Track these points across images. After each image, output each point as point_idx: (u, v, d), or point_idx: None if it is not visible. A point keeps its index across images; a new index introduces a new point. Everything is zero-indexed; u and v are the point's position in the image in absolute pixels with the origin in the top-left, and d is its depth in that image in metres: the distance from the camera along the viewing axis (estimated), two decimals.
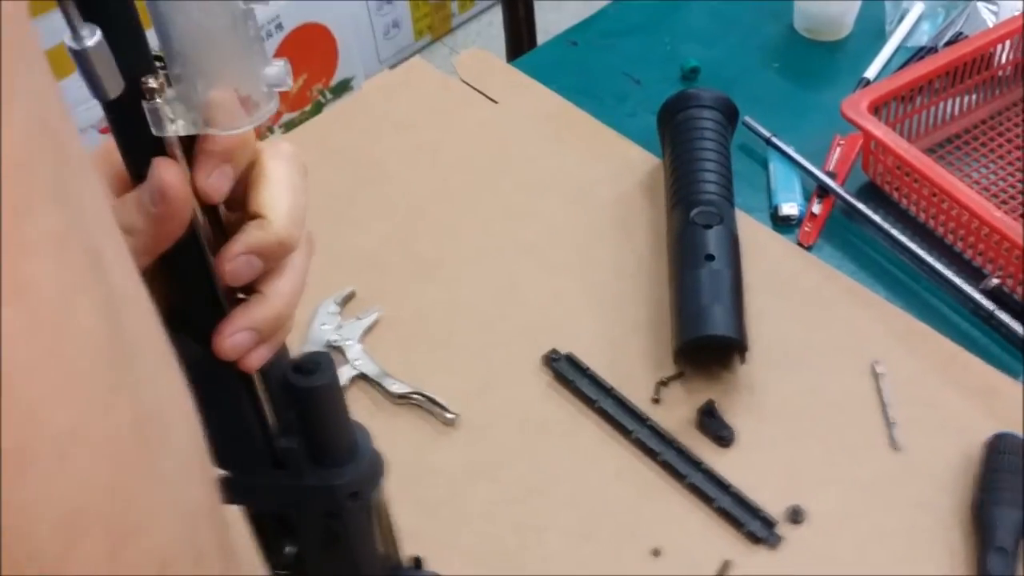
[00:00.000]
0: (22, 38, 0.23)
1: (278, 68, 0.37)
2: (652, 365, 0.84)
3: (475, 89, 1.04)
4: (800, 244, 0.92)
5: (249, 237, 0.39)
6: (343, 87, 2.16)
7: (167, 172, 0.36)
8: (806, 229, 0.93)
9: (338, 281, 0.88)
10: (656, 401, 0.82)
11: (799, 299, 0.87)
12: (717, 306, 0.80)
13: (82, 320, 0.23)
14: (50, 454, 0.22)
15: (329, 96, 2.15)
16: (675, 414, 0.81)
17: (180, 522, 0.26)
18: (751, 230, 0.91)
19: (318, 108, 2.12)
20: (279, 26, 2.00)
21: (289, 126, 2.07)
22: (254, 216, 0.40)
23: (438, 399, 0.81)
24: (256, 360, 0.41)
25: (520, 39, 1.46)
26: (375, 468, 0.50)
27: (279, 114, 2.09)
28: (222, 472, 0.48)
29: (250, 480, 0.48)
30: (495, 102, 1.03)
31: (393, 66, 1.10)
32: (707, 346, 0.81)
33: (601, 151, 0.98)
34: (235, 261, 0.39)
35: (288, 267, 0.42)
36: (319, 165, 0.98)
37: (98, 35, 0.32)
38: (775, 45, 1.11)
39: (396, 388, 0.82)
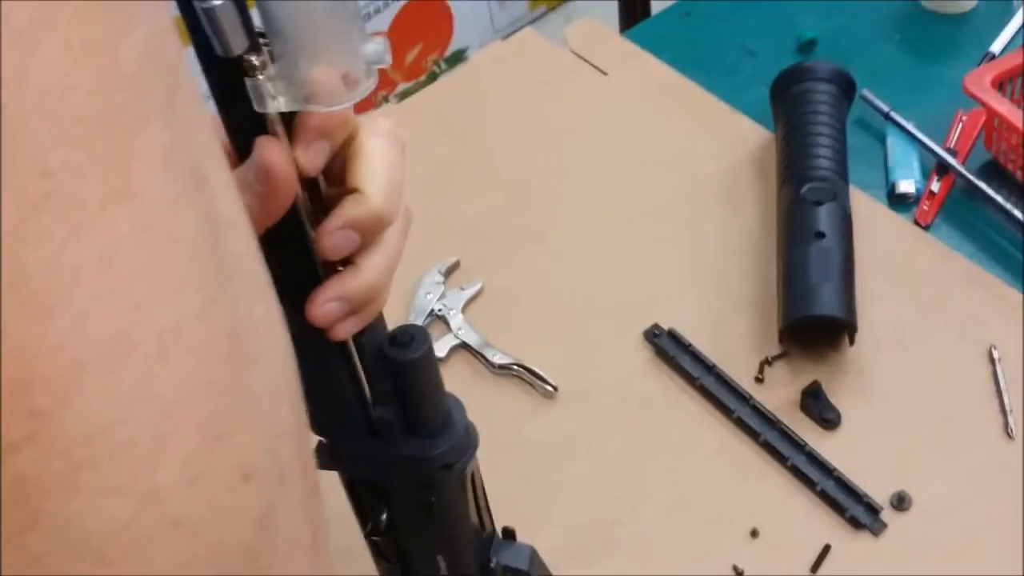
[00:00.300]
0: None
1: (377, 45, 0.37)
2: (756, 343, 0.82)
3: (585, 60, 1.03)
4: (917, 223, 0.89)
5: (346, 211, 0.40)
6: (458, 57, 2.17)
7: (272, 152, 0.37)
8: (924, 208, 0.90)
9: (443, 250, 0.89)
10: (759, 380, 0.80)
11: (913, 280, 0.84)
12: (826, 285, 0.78)
13: (185, 229, 0.24)
14: (152, 348, 0.23)
15: (444, 66, 2.16)
16: (779, 394, 0.80)
17: (265, 437, 0.27)
18: (865, 208, 0.88)
19: (432, 78, 2.14)
20: None
21: (403, 95, 2.09)
22: (352, 191, 0.41)
23: (538, 371, 0.81)
24: (345, 330, 0.42)
25: (633, 9, 1.44)
26: (468, 440, 0.51)
27: (394, 84, 2.11)
28: (318, 438, 0.49)
29: (345, 447, 0.49)
30: (605, 73, 1.02)
31: (506, 36, 1.09)
32: (814, 326, 0.79)
33: (711, 124, 0.96)
34: (333, 235, 0.40)
35: (383, 241, 0.42)
36: (429, 135, 0.99)
37: None
38: (896, 17, 1.07)
39: (497, 359, 0.82)
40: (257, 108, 0.36)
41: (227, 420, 0.25)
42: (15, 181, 0.21)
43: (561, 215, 0.92)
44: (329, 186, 0.42)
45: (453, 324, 0.84)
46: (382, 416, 0.48)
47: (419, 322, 0.85)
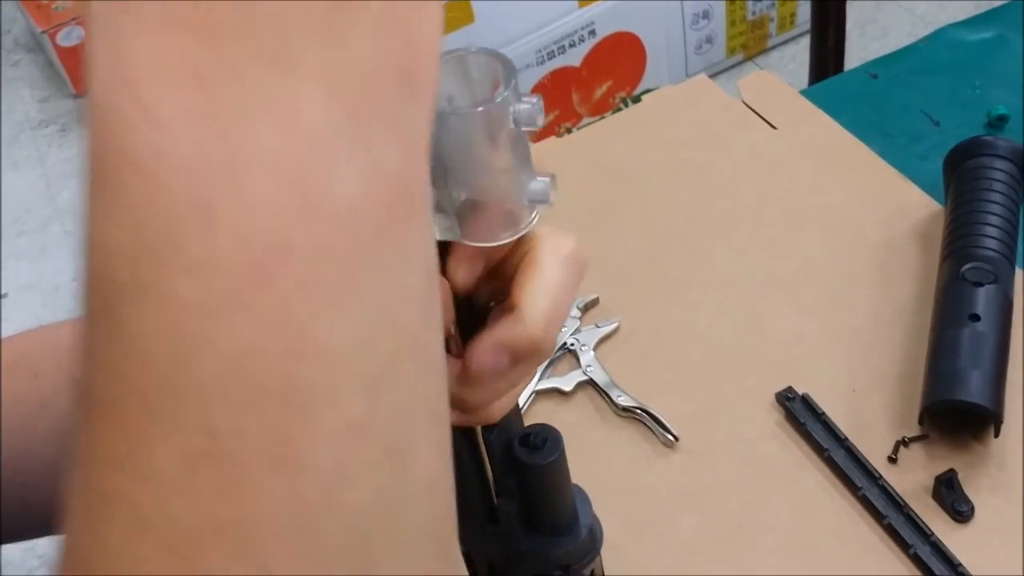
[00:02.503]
0: None
1: (543, 184, 0.35)
2: (894, 422, 0.79)
3: (756, 113, 1.01)
4: None
5: (501, 331, 0.37)
6: None
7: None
8: None
9: (584, 286, 0.89)
10: (892, 460, 0.77)
11: None
12: (975, 371, 0.74)
13: (352, 504, 0.24)
14: None
15: (630, 104, 2.16)
16: (911, 478, 0.76)
17: None
18: None
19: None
20: (592, 32, 2.04)
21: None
22: (511, 308, 0.38)
23: (662, 418, 0.80)
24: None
25: (825, 68, 1.41)
26: (591, 542, 0.49)
27: (579, 117, 2.13)
28: None
29: (465, 527, 0.48)
30: (773, 128, 1.00)
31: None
32: (958, 412, 0.75)
33: (877, 190, 0.93)
34: (483, 353, 0.37)
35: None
36: (588, 170, 0.99)
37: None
38: None
39: (622, 400, 0.81)
40: None
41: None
42: (180, 433, 0.22)
43: (706, 265, 0.90)
44: (495, 293, 0.40)
45: (583, 360, 0.84)
46: (503, 508, 0.46)
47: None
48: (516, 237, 0.36)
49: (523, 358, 0.38)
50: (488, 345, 0.37)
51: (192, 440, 0.22)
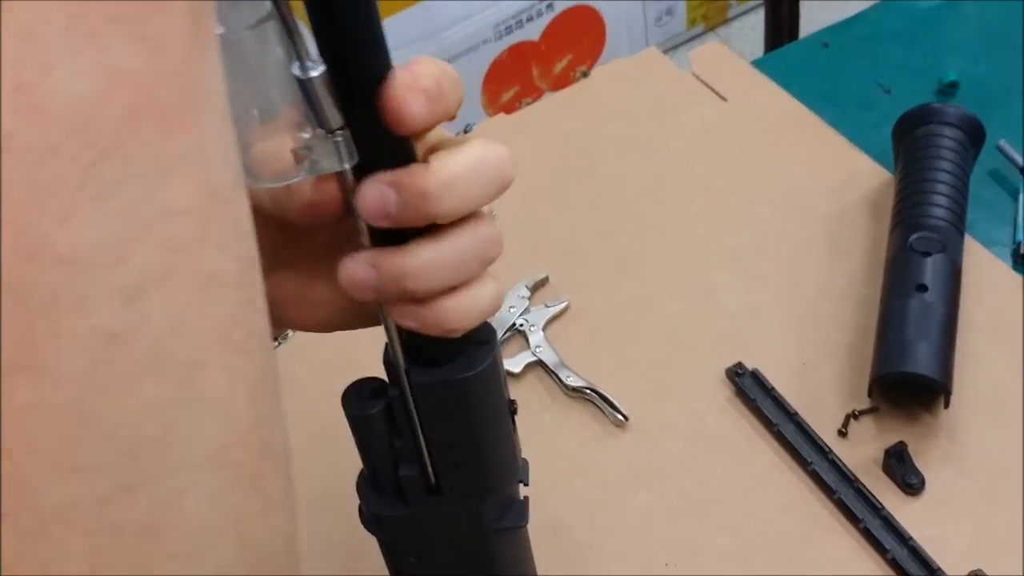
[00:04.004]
0: None
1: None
2: (845, 395, 0.78)
3: (706, 85, 1.00)
4: None
5: (401, 171, 0.37)
6: None
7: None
8: None
9: (534, 265, 0.88)
10: (842, 434, 0.76)
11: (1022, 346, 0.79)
12: (922, 342, 0.74)
13: (105, 412, 0.24)
14: (30, 523, 0.23)
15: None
16: (861, 451, 0.75)
17: None
18: (984, 265, 0.83)
19: None
20: (550, 6, 2.01)
21: None
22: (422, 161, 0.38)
23: (612, 398, 0.79)
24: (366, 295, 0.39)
25: (780, 36, 1.41)
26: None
27: (540, 92, 2.11)
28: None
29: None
30: (724, 100, 0.99)
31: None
32: (907, 383, 0.75)
33: (828, 160, 0.92)
34: (373, 187, 0.36)
35: (443, 233, 0.38)
36: (537, 147, 0.98)
37: (322, 68, 0.33)
38: None
39: (572, 381, 0.80)
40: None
41: None
42: None
43: (659, 240, 0.89)
44: None
45: (532, 341, 0.83)
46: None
47: (499, 335, 0.84)
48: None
49: (412, 209, 0.36)
50: (380, 178, 0.36)
51: None
